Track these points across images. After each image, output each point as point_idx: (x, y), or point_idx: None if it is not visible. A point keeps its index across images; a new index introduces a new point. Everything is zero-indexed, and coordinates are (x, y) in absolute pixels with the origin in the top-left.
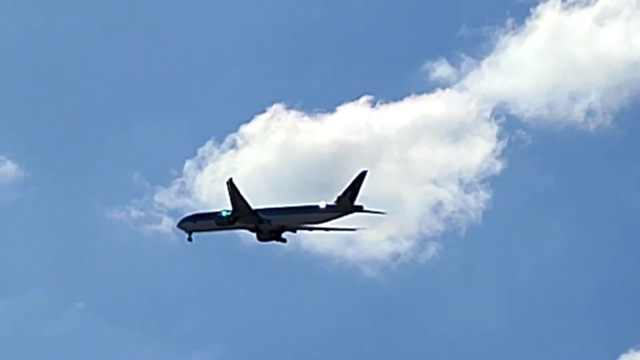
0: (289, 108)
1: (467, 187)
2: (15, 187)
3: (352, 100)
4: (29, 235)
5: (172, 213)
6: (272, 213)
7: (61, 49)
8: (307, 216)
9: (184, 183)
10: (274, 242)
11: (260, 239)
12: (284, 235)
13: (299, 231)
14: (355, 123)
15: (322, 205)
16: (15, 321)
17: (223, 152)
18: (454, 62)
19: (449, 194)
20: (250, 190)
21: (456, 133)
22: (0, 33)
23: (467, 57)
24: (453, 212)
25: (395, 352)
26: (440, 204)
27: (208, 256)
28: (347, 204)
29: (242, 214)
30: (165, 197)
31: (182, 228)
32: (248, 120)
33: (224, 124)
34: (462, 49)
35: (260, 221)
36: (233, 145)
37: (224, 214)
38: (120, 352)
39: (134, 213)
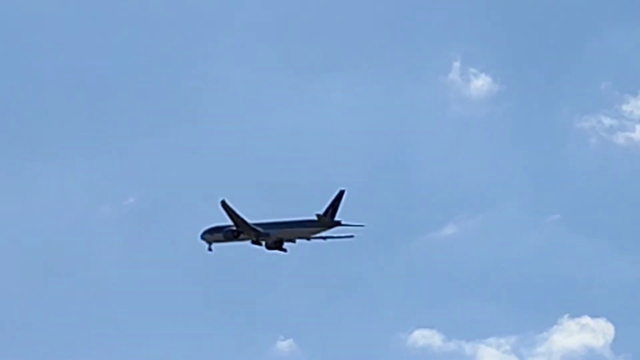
0: None
1: None
2: (490, 101)
3: None
4: (502, 149)
5: None
6: (270, 227)
7: None
8: (298, 230)
9: None
10: (277, 251)
11: (267, 247)
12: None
13: (298, 241)
14: None
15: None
16: (491, 235)
17: None
18: None
19: None
20: None
21: None
22: None
23: None
24: None
25: None
26: None
27: None
28: (328, 219)
29: (242, 229)
30: (635, 106)
31: (204, 239)
32: None
33: None
34: None
35: (259, 235)
36: None
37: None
38: (596, 264)
39: (606, 121)
